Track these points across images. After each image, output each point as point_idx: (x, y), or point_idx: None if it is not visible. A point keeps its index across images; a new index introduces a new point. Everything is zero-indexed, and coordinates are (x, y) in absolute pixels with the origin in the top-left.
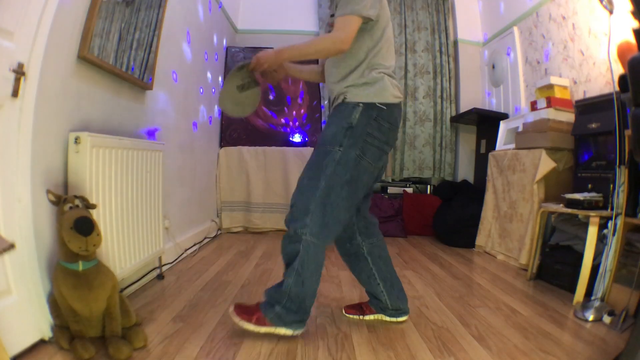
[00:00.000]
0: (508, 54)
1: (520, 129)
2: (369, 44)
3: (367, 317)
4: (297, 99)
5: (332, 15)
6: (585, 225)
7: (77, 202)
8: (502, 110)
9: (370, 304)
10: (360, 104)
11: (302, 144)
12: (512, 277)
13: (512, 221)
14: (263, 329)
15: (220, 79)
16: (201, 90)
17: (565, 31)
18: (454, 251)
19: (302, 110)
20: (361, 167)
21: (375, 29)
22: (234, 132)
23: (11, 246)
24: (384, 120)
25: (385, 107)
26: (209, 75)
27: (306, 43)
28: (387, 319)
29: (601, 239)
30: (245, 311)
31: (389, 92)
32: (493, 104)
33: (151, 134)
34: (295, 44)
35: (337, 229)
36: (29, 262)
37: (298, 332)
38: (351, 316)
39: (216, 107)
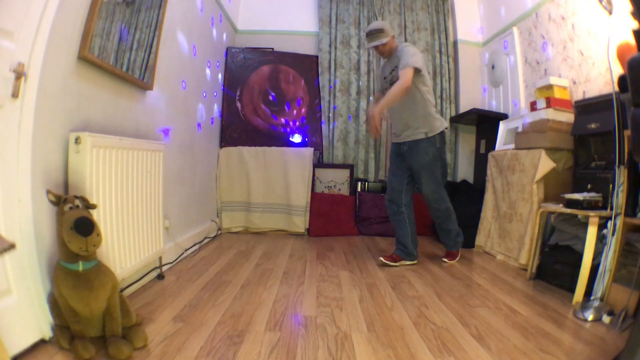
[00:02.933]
0: (507, 54)
1: (519, 129)
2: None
3: (397, 264)
4: (297, 99)
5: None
6: (584, 225)
7: (77, 202)
8: (502, 111)
9: (397, 252)
10: None
11: (301, 144)
12: (512, 277)
13: (511, 221)
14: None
15: (220, 79)
16: (203, 91)
17: (565, 31)
18: None
19: (302, 110)
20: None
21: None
22: (234, 132)
23: (11, 246)
24: None
25: None
26: (209, 75)
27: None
28: (407, 262)
29: (601, 239)
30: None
31: None
32: (493, 104)
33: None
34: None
35: None
36: (29, 262)
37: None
38: (389, 262)
39: (216, 106)
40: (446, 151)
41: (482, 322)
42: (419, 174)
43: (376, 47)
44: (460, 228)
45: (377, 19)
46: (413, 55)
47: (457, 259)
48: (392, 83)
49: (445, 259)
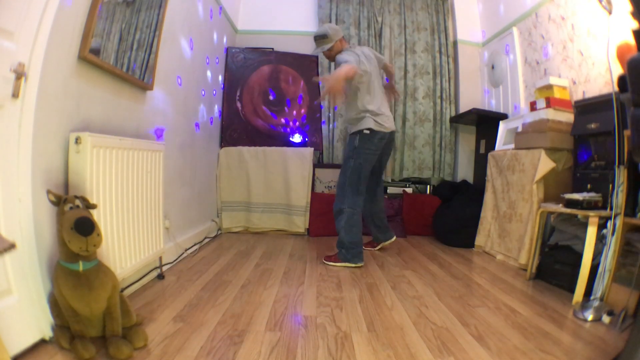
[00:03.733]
0: (507, 54)
1: (519, 129)
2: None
3: (376, 248)
4: (297, 99)
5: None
6: (584, 225)
7: (77, 202)
8: (502, 111)
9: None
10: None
11: (302, 144)
12: (512, 277)
13: (511, 221)
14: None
15: (220, 79)
16: (202, 91)
17: (565, 32)
18: (454, 251)
19: (302, 111)
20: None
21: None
22: (234, 132)
23: (12, 246)
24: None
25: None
26: (209, 75)
27: None
28: (386, 243)
29: (600, 239)
30: (328, 257)
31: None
32: (492, 105)
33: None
34: None
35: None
36: (30, 262)
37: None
38: (368, 249)
39: (216, 106)
40: (370, 155)
41: (482, 322)
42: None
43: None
44: (355, 249)
45: (377, 20)
46: (339, 69)
47: (333, 264)
48: None
49: (325, 260)
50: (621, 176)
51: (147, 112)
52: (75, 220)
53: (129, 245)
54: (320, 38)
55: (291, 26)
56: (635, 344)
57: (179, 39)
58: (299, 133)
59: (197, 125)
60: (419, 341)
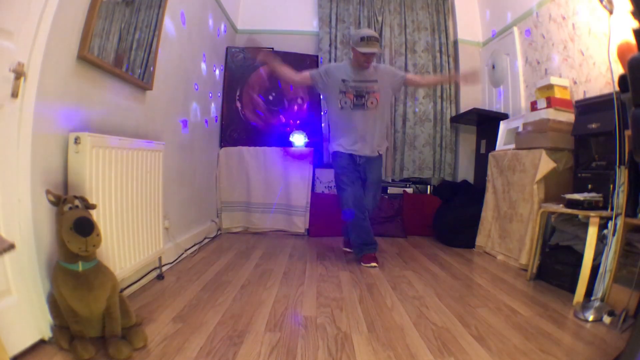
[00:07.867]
0: (508, 54)
1: (520, 129)
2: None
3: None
4: (297, 100)
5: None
6: (585, 225)
7: (76, 202)
8: (502, 111)
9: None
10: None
11: (302, 144)
12: (512, 277)
13: (512, 221)
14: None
15: (220, 78)
16: (202, 91)
17: (565, 31)
18: (454, 251)
19: (302, 111)
20: None
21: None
22: (234, 132)
23: (11, 246)
24: None
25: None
26: (208, 75)
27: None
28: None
29: (601, 239)
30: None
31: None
32: (493, 104)
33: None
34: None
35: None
36: (29, 263)
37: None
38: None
39: (216, 106)
40: None
41: (482, 322)
42: (376, 185)
43: (371, 55)
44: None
45: (377, 19)
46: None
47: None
48: (364, 93)
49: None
50: (622, 176)
51: (147, 112)
52: (74, 221)
53: (128, 245)
54: (377, 41)
55: (291, 26)
56: (635, 344)
57: (179, 39)
58: (299, 133)
59: (197, 125)
60: (420, 342)
